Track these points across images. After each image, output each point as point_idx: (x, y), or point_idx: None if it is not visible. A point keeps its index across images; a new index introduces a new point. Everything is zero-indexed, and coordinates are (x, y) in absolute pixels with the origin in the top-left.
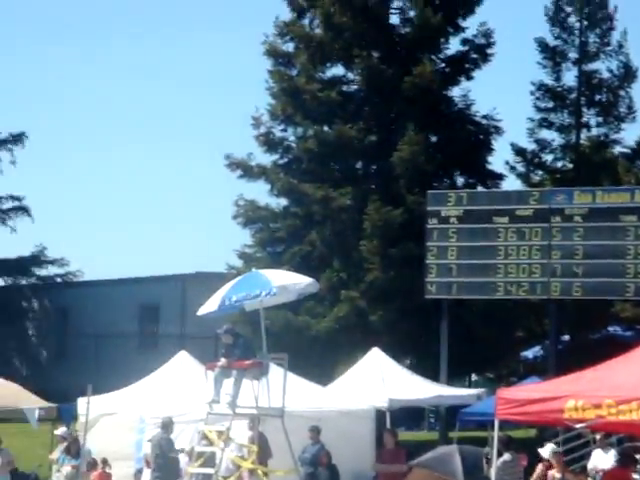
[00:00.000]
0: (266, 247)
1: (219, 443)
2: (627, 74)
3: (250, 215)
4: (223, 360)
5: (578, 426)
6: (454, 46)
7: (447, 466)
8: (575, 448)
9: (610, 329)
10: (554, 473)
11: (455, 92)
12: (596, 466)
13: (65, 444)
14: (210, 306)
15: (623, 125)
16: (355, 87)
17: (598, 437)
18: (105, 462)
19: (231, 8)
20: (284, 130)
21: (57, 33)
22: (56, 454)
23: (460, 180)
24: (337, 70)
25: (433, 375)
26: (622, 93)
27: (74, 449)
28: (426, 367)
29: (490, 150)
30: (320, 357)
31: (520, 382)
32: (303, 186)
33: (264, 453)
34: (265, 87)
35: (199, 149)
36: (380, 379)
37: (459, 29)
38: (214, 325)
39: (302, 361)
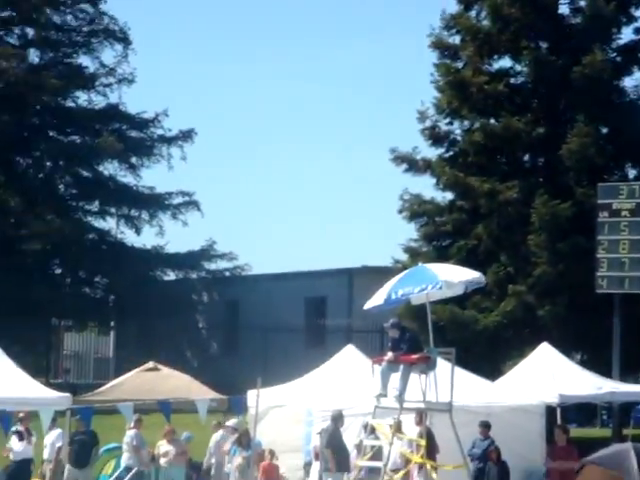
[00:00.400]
0: (432, 241)
1: (389, 437)
2: None
3: (415, 209)
4: (390, 354)
5: None
6: (627, 35)
7: (621, 464)
8: None
9: None
10: None
11: (627, 82)
12: None
13: (236, 435)
14: (376, 300)
15: None
16: (522, 79)
17: None
18: (272, 453)
19: (397, 1)
20: (450, 123)
21: (222, 35)
22: (227, 445)
23: (632, 172)
24: (504, 62)
25: (605, 371)
26: None
27: (245, 440)
28: (598, 363)
29: None
30: (487, 352)
31: None
32: (469, 179)
33: (432, 448)
34: (431, 80)
35: (365, 143)
36: (550, 374)
37: (632, 19)
38: (380, 319)
39: (469, 356)
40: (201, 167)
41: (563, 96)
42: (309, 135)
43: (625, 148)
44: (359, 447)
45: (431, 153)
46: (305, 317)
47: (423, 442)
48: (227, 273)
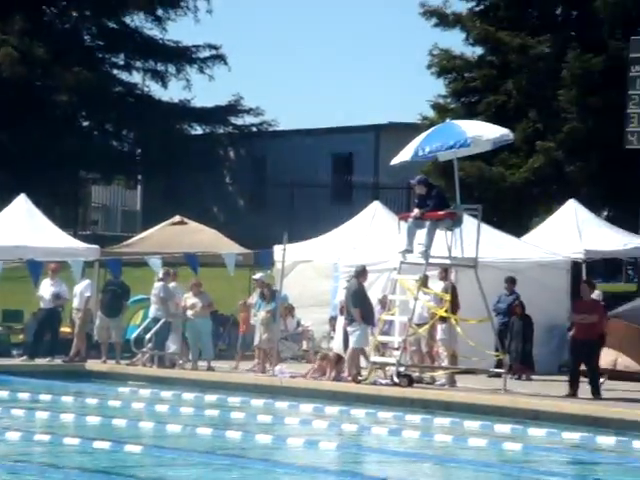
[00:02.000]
0: (460, 97)
1: (414, 292)
2: None
3: (444, 64)
4: (416, 210)
5: None
6: None
7: None
8: None
9: None
10: None
11: None
12: None
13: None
14: (404, 156)
15: None
16: None
17: None
18: (290, 309)
19: None
20: None
21: None
22: (254, 298)
23: None
24: None
25: (632, 227)
26: None
27: (269, 294)
28: (625, 219)
29: None
30: (515, 208)
31: None
32: (500, 34)
33: (454, 304)
34: None
35: None
36: (576, 230)
37: None
38: (407, 176)
39: (496, 213)
40: (228, 20)
41: None
42: None
43: None
44: (383, 302)
45: (461, 7)
46: (332, 173)
47: (448, 297)
48: (254, 128)
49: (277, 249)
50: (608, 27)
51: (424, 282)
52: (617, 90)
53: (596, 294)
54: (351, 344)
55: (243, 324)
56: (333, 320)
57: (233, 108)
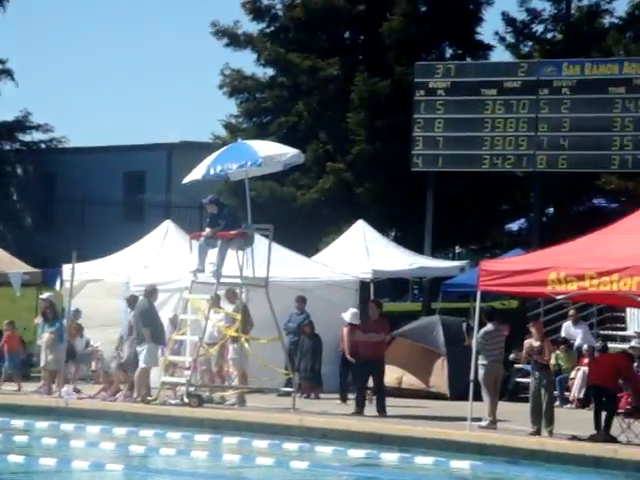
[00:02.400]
0: (252, 117)
1: (205, 311)
2: None
3: (236, 85)
4: (208, 230)
5: (559, 297)
6: None
7: (429, 336)
8: (556, 318)
9: (595, 201)
10: (532, 341)
11: None
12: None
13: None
14: (195, 175)
15: None
16: None
17: (571, 312)
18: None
19: None
20: None
21: None
22: (39, 319)
23: (449, 51)
24: None
25: (418, 247)
26: None
27: (50, 315)
28: (411, 239)
29: (479, 20)
30: (305, 229)
31: (504, 254)
32: (290, 55)
33: (246, 323)
34: None
35: (186, 16)
36: (365, 251)
37: None
38: (200, 195)
39: (287, 232)
40: (14, 34)
41: None
42: (128, 6)
43: (442, 27)
44: (174, 321)
45: (252, 28)
46: (124, 192)
47: (239, 316)
48: (43, 145)
49: (66, 268)
50: (394, 52)
51: (216, 301)
52: (403, 114)
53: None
54: (140, 364)
55: (5, 343)
56: (122, 339)
57: (21, 124)
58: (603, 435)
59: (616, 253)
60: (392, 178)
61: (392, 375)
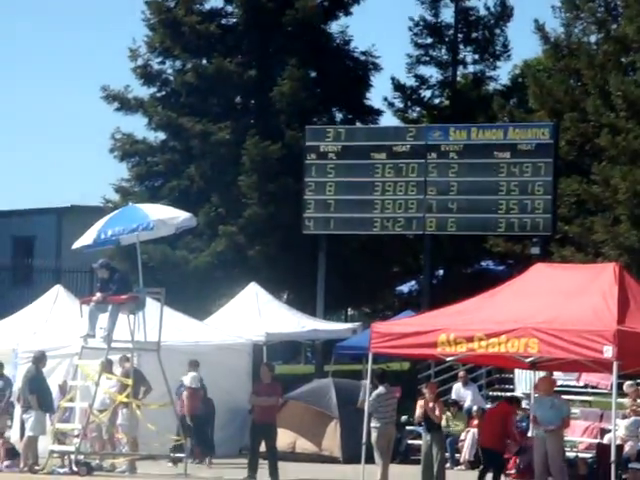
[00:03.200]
0: (144, 181)
1: (94, 377)
2: (503, 12)
3: (127, 149)
4: (98, 294)
5: (449, 359)
6: None
7: (322, 399)
8: (447, 380)
9: (483, 264)
10: (425, 402)
11: (334, 27)
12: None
13: None
14: (85, 240)
15: (498, 63)
16: (234, 20)
17: (461, 374)
18: None
19: None
20: (162, 63)
21: None
22: None
23: (339, 116)
24: (216, 2)
25: (310, 310)
26: (498, 31)
27: None
28: (304, 302)
29: (369, 86)
30: (198, 292)
31: (395, 316)
32: (181, 120)
33: (139, 387)
34: (142, 18)
35: (76, 80)
36: (257, 313)
37: None
38: (90, 259)
39: (180, 296)
40: None
41: (274, 39)
42: (17, 70)
43: (333, 92)
44: (63, 388)
45: (143, 92)
46: (13, 256)
47: (129, 381)
48: None
49: None
50: (285, 116)
51: (107, 367)
52: (294, 177)
53: None
54: (27, 432)
55: None
56: (11, 408)
57: None
58: None
59: (504, 315)
60: (284, 241)
61: (285, 439)
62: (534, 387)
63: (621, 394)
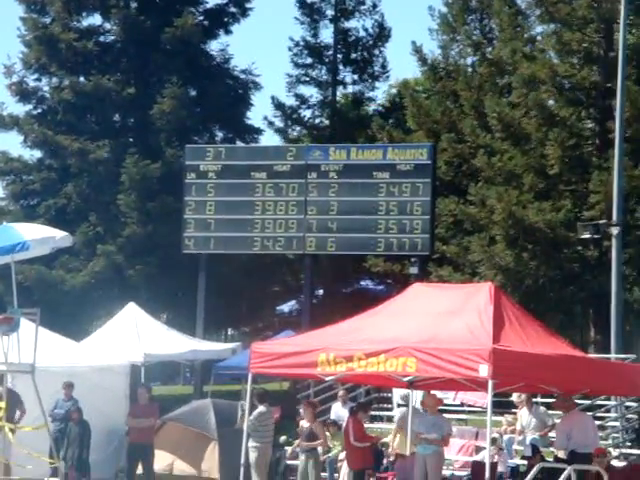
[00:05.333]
0: (19, 200)
1: None
2: (381, 33)
3: (2, 167)
4: None
5: (328, 379)
6: None
7: (200, 420)
8: (326, 399)
9: (362, 283)
10: (303, 423)
11: (214, 46)
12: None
13: None
14: None
15: (377, 83)
16: (112, 37)
17: (341, 393)
18: None
19: None
20: (38, 80)
21: None
22: None
23: (219, 134)
24: (94, 19)
25: (190, 330)
26: (376, 52)
27: None
28: (183, 322)
29: (249, 105)
30: (75, 312)
31: (275, 336)
32: (59, 138)
33: (13, 410)
34: (17, 35)
35: None
36: (135, 334)
37: None
38: None
39: (56, 316)
40: None
41: (153, 57)
42: None
43: (213, 111)
44: None
45: (18, 109)
46: None
47: (3, 404)
48: None
49: None
50: (165, 135)
51: None
52: (174, 196)
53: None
54: None
55: None
56: None
57: None
58: None
59: (383, 334)
60: (164, 260)
61: (163, 461)
62: (421, 403)
63: (496, 412)
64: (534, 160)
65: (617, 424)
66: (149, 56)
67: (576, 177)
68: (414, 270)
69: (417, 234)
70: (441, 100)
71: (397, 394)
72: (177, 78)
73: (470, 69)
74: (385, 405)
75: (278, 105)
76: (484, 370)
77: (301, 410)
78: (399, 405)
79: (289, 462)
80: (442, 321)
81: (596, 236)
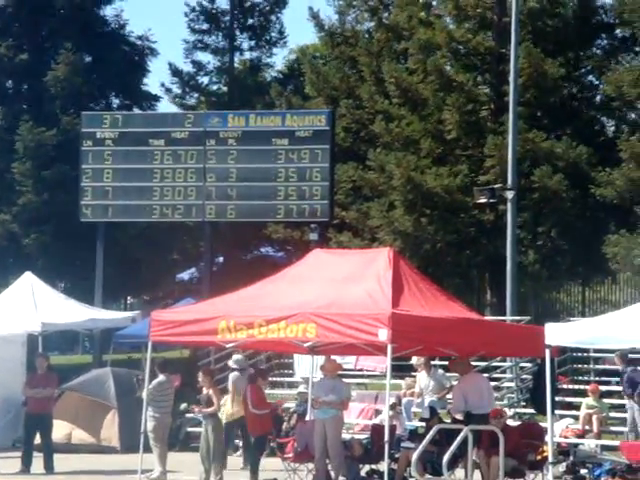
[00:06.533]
0: None
1: None
2: None
3: None
4: None
5: (229, 346)
6: None
7: (99, 389)
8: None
9: (263, 250)
10: (204, 389)
11: (108, 12)
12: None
13: None
14: None
15: (275, 50)
16: (3, 2)
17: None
18: None
19: None
20: None
21: None
22: None
23: (116, 102)
24: None
25: (88, 298)
26: (273, 18)
27: None
28: (81, 291)
29: (145, 72)
30: None
31: (175, 304)
32: None
33: None
34: None
35: None
36: (32, 303)
37: None
38: None
39: None
40: None
41: (47, 22)
42: None
43: (109, 77)
44: None
45: None
46: None
47: None
48: None
49: None
50: (60, 102)
51: None
52: (71, 164)
53: None
54: None
55: None
56: None
57: None
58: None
59: (283, 301)
60: (61, 229)
61: (61, 430)
62: (321, 367)
63: (395, 376)
64: (432, 125)
65: (512, 385)
66: (42, 21)
67: (473, 142)
68: (314, 236)
69: (316, 200)
70: (339, 66)
71: (233, 358)
72: (71, 44)
73: (367, 35)
74: (286, 371)
75: (175, 72)
76: (383, 334)
77: (199, 378)
78: (232, 370)
79: (190, 429)
80: (342, 287)
81: (492, 200)
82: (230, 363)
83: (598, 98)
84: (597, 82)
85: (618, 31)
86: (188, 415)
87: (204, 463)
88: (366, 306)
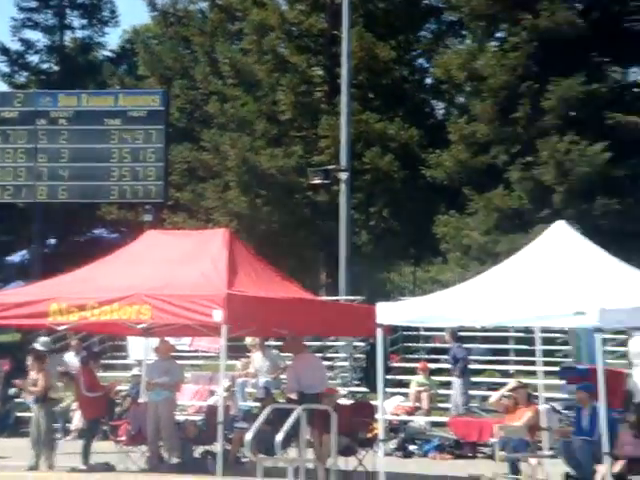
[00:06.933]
0: None
1: None
2: None
3: None
4: None
5: (61, 328)
6: None
7: None
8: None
9: (96, 231)
10: (33, 374)
11: None
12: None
13: None
14: None
15: (107, 29)
16: None
17: (73, 342)
18: None
19: None
20: None
21: None
22: None
23: None
24: None
25: None
26: None
27: None
28: None
29: None
30: None
31: (6, 286)
32: None
33: None
34: None
35: None
36: None
37: None
38: None
39: None
40: None
41: None
42: None
43: None
44: None
45: None
46: None
47: None
48: None
49: None
50: None
51: None
52: None
53: None
54: None
55: None
56: None
57: None
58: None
59: (116, 282)
60: None
61: None
62: (154, 349)
63: (230, 356)
64: (266, 106)
65: (346, 364)
66: None
67: (307, 123)
68: (148, 217)
69: (151, 181)
70: (173, 46)
71: (39, 341)
72: None
73: (201, 15)
74: (119, 353)
75: (3, 50)
76: (218, 315)
77: (28, 362)
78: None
79: (20, 414)
80: (176, 268)
81: (326, 181)
82: (36, 345)
83: (428, 81)
84: (427, 65)
85: (446, 15)
86: (17, 400)
87: (34, 448)
88: (201, 287)
